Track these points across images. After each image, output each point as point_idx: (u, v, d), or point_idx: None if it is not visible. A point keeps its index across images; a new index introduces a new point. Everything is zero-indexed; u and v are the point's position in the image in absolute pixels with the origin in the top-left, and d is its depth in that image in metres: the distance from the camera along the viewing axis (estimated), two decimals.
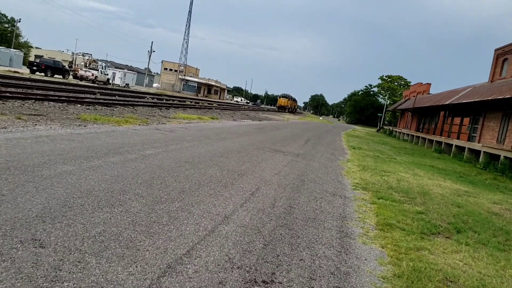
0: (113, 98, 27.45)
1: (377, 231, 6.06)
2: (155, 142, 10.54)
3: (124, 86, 66.01)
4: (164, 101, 39.99)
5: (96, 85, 51.01)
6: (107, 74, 60.58)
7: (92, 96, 26.50)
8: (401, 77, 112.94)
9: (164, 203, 5.22)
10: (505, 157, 20.51)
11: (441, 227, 6.91)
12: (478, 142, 28.94)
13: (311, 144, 19.50)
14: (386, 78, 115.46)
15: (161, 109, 26.67)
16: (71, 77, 59.01)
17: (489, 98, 23.86)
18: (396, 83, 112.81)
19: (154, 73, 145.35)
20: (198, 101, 56.17)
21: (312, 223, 5.75)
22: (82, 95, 25.21)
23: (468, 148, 26.16)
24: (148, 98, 37.50)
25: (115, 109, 20.09)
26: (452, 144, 29.49)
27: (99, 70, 59.75)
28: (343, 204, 7.49)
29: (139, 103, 27.29)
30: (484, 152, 23.28)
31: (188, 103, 45.04)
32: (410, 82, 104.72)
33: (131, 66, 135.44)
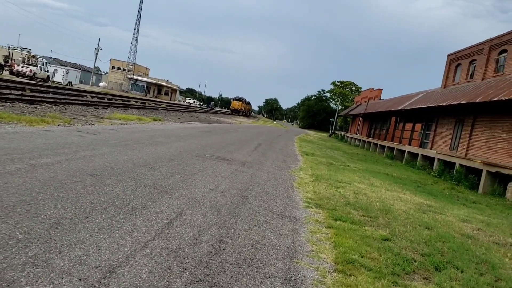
0: (45, 95, 24.52)
1: (337, 275, 4.44)
2: (63, 147, 8.45)
3: (67, 84, 61.71)
4: (106, 100, 37.10)
5: (34, 82, 47.02)
6: (47, 71, 56.26)
7: (19, 92, 23.52)
8: (353, 82, 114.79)
9: (9, 250, 3.29)
10: (461, 165, 19.89)
11: (415, 261, 5.41)
12: (431, 149, 28.62)
13: (262, 150, 17.89)
14: (338, 84, 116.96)
15: (97, 108, 24.13)
16: (6, 72, 54.35)
17: (443, 104, 23.37)
18: (347, 89, 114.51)
19: (102, 72, 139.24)
20: (144, 101, 53.29)
21: (248, 268, 4.03)
22: (7, 91, 22.21)
23: (421, 154, 25.64)
24: (87, 97, 34.51)
25: (38, 107, 17.51)
26: (405, 151, 29.01)
27: (38, 66, 55.37)
28: (293, 230, 5.83)
29: (73, 101, 24.59)
30: (439, 159, 22.71)
31: (133, 103, 42.31)
32: (361, 88, 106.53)
33: (78, 64, 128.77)
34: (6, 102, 16.77)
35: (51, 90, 33.28)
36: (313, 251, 5.11)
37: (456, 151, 25.13)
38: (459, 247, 6.54)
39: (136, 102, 45.71)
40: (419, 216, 8.56)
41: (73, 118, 15.53)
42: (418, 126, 34.13)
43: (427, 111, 29.94)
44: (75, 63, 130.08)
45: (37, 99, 20.27)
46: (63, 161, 6.96)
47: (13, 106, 15.86)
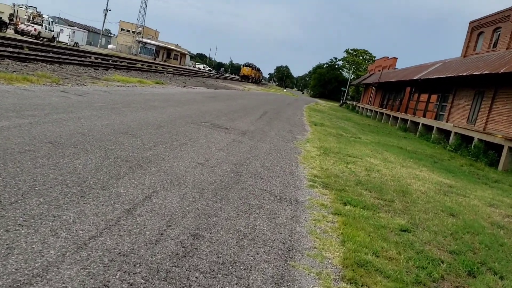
0: (42, 54, 23.29)
1: (345, 286, 3.39)
2: (35, 108, 7.38)
3: (73, 45, 60.28)
4: (110, 62, 35.86)
5: (39, 41, 45.73)
6: (53, 31, 54.74)
7: (15, 50, 22.36)
8: (367, 51, 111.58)
9: None
10: (479, 140, 18.57)
11: (443, 263, 4.33)
12: (447, 121, 27.18)
13: (267, 119, 16.72)
14: (352, 52, 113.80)
15: (97, 69, 22.95)
16: (11, 31, 53.03)
17: (464, 74, 21.78)
18: (361, 57, 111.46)
19: (113, 34, 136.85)
20: (151, 64, 51.85)
21: (225, 279, 2.97)
22: (1, 48, 21.07)
23: (437, 127, 24.25)
24: (90, 58, 33.28)
25: (30, 66, 16.39)
26: (419, 123, 27.59)
27: (44, 25, 53.84)
28: (292, 218, 4.77)
29: (72, 61, 23.41)
30: (455, 133, 21.36)
31: (139, 65, 40.95)
32: (375, 57, 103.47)
33: (88, 26, 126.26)
34: None
35: (53, 49, 32.06)
36: (315, 248, 4.05)
37: (474, 124, 23.70)
38: (492, 242, 5.44)
39: (142, 65, 44.33)
40: (441, 199, 7.45)
41: (65, 78, 14.42)
42: (434, 98, 32.50)
43: (445, 82, 28.29)
44: (85, 25, 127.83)
45: (32, 57, 19.14)
46: (25, 125, 5.89)
47: (0, 64, 14.76)
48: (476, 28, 26.45)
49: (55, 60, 20.74)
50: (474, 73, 20.64)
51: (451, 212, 6.60)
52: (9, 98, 7.87)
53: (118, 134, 6.70)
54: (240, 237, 3.81)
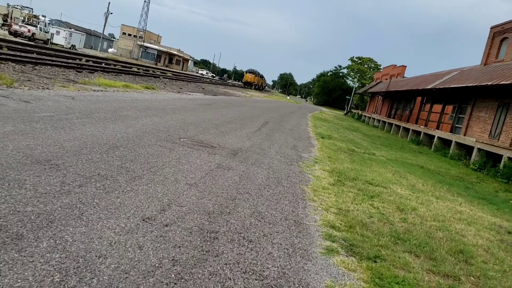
0: (17, 54, 20.96)
1: None
2: None
3: (70, 48, 58.24)
4: (103, 64, 33.68)
5: (33, 43, 43.72)
6: (48, 32, 52.72)
7: None
8: (372, 59, 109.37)
9: None
10: (510, 158, 16.17)
11: None
12: (464, 135, 24.77)
13: (267, 131, 14.36)
14: (357, 60, 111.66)
15: (80, 72, 20.66)
16: (4, 32, 51.10)
17: (488, 83, 19.39)
18: (366, 66, 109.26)
19: (116, 39, 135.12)
20: (149, 69, 49.72)
21: None
22: None
23: (456, 142, 21.82)
24: (81, 60, 31.10)
25: None
26: (434, 136, 25.18)
27: (38, 26, 51.84)
28: None
29: (54, 63, 21.17)
30: (479, 149, 18.95)
31: (135, 69, 38.76)
32: (380, 65, 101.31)
33: (93, 30, 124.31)
34: None
35: (41, 51, 29.93)
36: None
37: (498, 139, 21.28)
38: None
39: (138, 69, 42.13)
40: None
41: (28, 80, 12.13)
42: (449, 109, 30.10)
43: (462, 92, 25.92)
44: (89, 29, 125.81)
45: (4, 57, 16.87)
46: None
47: None
48: (499, 33, 24.10)
49: (32, 60, 18.48)
50: (501, 83, 18.27)
51: None
52: None
53: (31, 165, 4.34)
54: None
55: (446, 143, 23.56)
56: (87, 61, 32.43)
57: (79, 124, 7.06)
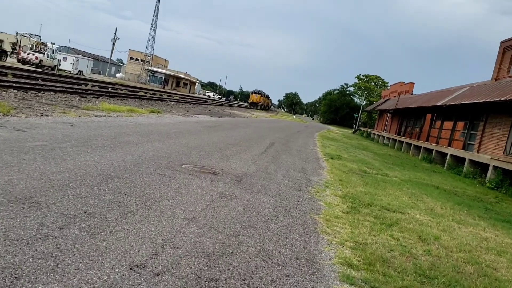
0: (22, 81, 20.85)
1: None
2: None
3: (77, 73, 58.75)
4: (110, 89, 33.68)
5: (40, 70, 44.09)
6: (55, 59, 53.25)
7: None
8: (379, 77, 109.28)
9: None
10: None
11: None
12: (478, 152, 24.03)
13: (274, 153, 13.86)
14: (363, 78, 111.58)
15: (85, 97, 20.45)
16: (13, 60, 51.73)
17: (502, 99, 18.81)
18: (373, 83, 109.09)
19: (124, 64, 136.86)
20: (156, 92, 49.81)
21: None
22: None
23: (469, 159, 21.11)
24: (87, 86, 31.08)
25: None
26: (447, 154, 24.47)
27: (45, 53, 52.41)
28: None
29: (59, 89, 21.03)
30: (495, 166, 18.23)
31: (142, 93, 38.75)
32: (387, 83, 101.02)
33: (101, 56, 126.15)
34: None
35: (47, 77, 29.98)
36: None
37: None
38: None
39: (145, 93, 42.17)
40: None
41: (27, 108, 11.82)
42: (460, 125, 29.40)
43: (473, 108, 25.30)
44: (97, 55, 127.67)
45: (5, 84, 16.68)
46: None
47: None
48: (509, 48, 23.60)
49: (36, 87, 18.29)
50: None
51: None
52: None
53: (8, 204, 3.86)
54: None
55: (459, 160, 22.84)
56: (93, 86, 32.42)
57: (73, 153, 6.62)
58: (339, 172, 12.18)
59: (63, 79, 33.44)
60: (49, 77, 31.39)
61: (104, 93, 25.29)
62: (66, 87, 23.41)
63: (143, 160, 7.26)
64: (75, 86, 26.84)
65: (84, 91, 23.11)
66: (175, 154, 8.61)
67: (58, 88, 20.84)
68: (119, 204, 4.60)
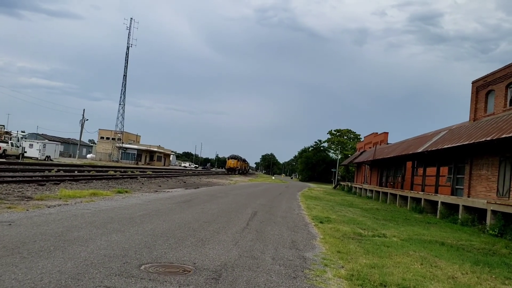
0: None
1: None
2: None
3: (45, 159, 56.65)
4: (76, 172, 31.83)
5: (4, 160, 42.01)
6: (19, 147, 51.29)
7: None
8: (350, 130, 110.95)
9: None
10: None
11: None
12: (468, 196, 22.98)
13: (257, 225, 12.24)
14: (335, 133, 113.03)
15: (43, 185, 18.60)
16: None
17: (488, 139, 18.06)
18: (345, 137, 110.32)
19: (94, 144, 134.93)
20: (128, 169, 47.99)
21: None
22: None
23: (463, 206, 19.91)
24: (52, 171, 29.20)
25: None
26: (437, 202, 23.25)
27: (9, 142, 50.53)
28: None
29: (14, 179, 19.22)
30: (493, 211, 17.00)
31: (111, 172, 36.94)
32: (359, 135, 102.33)
33: (72, 138, 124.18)
34: None
35: (8, 167, 28.05)
36: None
37: (508, 197, 19.50)
38: None
39: (115, 171, 40.35)
40: None
41: None
42: (445, 170, 28.63)
43: (455, 151, 24.62)
44: (69, 138, 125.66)
45: None
46: None
47: None
48: (483, 87, 23.46)
49: None
50: (502, 136, 16.91)
51: None
52: None
53: None
54: None
55: (452, 208, 21.61)
56: (57, 171, 30.54)
57: None
58: (333, 240, 10.61)
59: (26, 167, 31.54)
60: (10, 166, 29.48)
61: (67, 178, 23.44)
62: (24, 176, 21.57)
63: (88, 266, 5.55)
64: (36, 174, 24.97)
65: (43, 178, 21.25)
66: (134, 249, 6.91)
67: (13, 179, 19.00)
68: None
